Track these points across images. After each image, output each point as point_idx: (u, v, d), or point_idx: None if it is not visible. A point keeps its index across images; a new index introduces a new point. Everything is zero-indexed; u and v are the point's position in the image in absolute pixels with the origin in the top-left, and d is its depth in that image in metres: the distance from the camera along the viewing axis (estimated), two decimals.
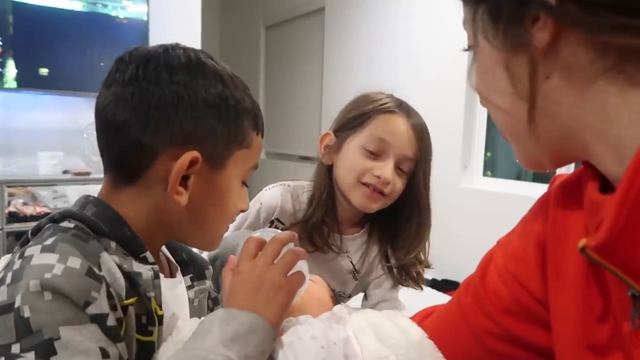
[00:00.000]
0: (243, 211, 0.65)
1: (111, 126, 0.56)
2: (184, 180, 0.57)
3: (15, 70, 2.57)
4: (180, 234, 0.62)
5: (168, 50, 0.58)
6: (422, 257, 1.08)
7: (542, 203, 0.53)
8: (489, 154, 3.03)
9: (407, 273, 1.07)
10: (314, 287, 0.70)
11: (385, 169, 0.96)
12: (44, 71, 2.64)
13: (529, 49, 0.38)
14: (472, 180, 2.96)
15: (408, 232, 1.05)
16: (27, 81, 2.61)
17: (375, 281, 1.12)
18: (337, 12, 3.84)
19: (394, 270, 1.08)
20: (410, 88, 3.50)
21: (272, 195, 1.04)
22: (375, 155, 0.97)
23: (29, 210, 2.54)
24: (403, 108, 1.01)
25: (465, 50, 0.46)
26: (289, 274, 0.58)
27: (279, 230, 0.65)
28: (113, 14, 2.80)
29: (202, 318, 0.55)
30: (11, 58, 2.56)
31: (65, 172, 2.67)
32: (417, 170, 1.01)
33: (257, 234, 0.64)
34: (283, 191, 1.05)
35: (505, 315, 0.53)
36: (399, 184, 0.99)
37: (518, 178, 3.02)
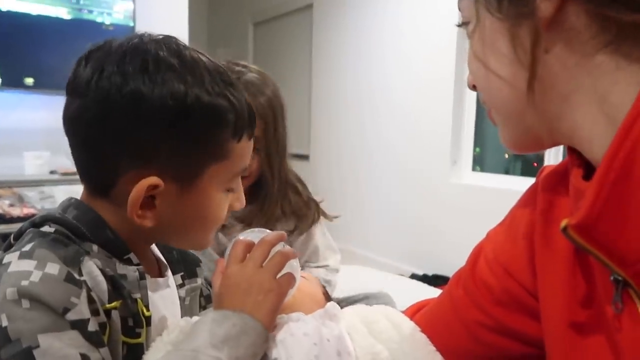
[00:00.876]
0: (238, 210, 0.63)
1: (75, 140, 0.54)
2: (152, 199, 0.53)
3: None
4: (162, 241, 0.61)
5: (126, 55, 0.51)
6: (299, 201, 1.13)
7: (531, 193, 0.54)
8: (477, 149, 3.05)
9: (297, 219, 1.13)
10: (306, 284, 0.70)
11: None
12: (29, 80, 2.60)
13: (533, 19, 0.38)
14: (461, 176, 2.98)
15: (262, 204, 1.09)
16: (11, 81, 2.58)
17: None
18: (325, 9, 3.83)
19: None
20: (399, 84, 3.53)
21: None
22: None
23: (16, 211, 2.51)
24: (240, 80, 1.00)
25: (459, 26, 0.46)
26: (278, 275, 0.57)
27: (268, 231, 0.64)
28: (99, 20, 2.75)
29: (195, 318, 0.54)
30: None
31: (52, 172, 2.63)
32: (267, 141, 1.04)
33: (246, 235, 0.63)
34: None
35: (496, 306, 0.53)
36: (254, 164, 1.03)
37: (507, 172, 3.05)
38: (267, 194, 1.09)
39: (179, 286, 0.69)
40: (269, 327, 0.53)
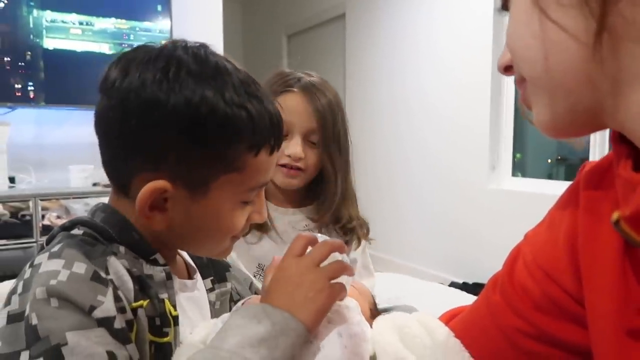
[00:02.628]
0: (258, 222, 0.62)
1: (98, 135, 0.56)
2: (164, 202, 0.54)
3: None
4: (177, 246, 0.61)
5: (148, 65, 0.52)
6: (353, 215, 1.10)
7: (572, 192, 0.51)
8: (518, 155, 2.97)
9: (345, 232, 1.10)
10: (354, 293, 0.68)
11: (294, 147, 1.01)
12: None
13: None
14: (500, 181, 2.90)
15: (324, 199, 1.08)
16: (56, 98, 2.70)
17: None
18: (358, 18, 3.84)
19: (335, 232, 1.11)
20: (435, 90, 3.49)
21: None
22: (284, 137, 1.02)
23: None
24: (297, 82, 1.04)
25: None
26: (332, 281, 0.55)
27: (328, 238, 0.62)
28: None
29: (235, 309, 0.53)
30: (43, 102, 2.66)
31: (95, 184, 2.73)
32: (326, 136, 1.04)
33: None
34: None
35: (536, 312, 0.50)
36: (312, 157, 1.03)
37: (550, 178, 2.95)
38: (327, 192, 1.07)
39: (209, 290, 0.69)
40: (312, 329, 0.51)
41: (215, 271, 0.71)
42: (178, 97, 0.51)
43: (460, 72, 3.00)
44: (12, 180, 2.64)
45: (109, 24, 2.82)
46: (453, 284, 2.70)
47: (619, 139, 0.41)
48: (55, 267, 0.48)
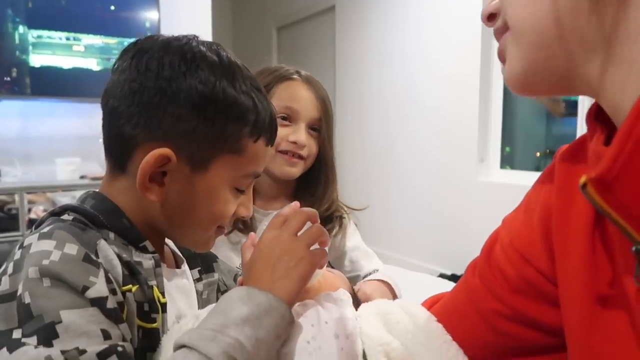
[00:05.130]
0: (244, 217, 0.63)
1: (105, 111, 0.57)
2: (162, 176, 0.56)
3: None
4: (165, 232, 0.61)
5: (170, 44, 0.56)
6: (335, 205, 1.11)
7: (547, 174, 0.52)
8: (507, 148, 2.99)
9: (328, 221, 1.11)
10: (333, 279, 0.69)
11: (299, 133, 1.02)
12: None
13: None
14: (489, 173, 2.92)
15: (317, 188, 1.09)
16: (43, 89, 2.68)
17: None
18: (348, 10, 3.83)
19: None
20: (424, 83, 3.50)
21: None
22: (286, 122, 1.02)
23: None
24: (300, 74, 1.06)
25: None
26: (311, 248, 0.56)
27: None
28: None
29: (222, 296, 0.54)
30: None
31: (82, 177, 2.71)
32: (321, 128, 1.05)
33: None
34: None
35: (513, 294, 0.51)
36: (313, 146, 1.05)
37: (538, 171, 2.98)
38: (327, 180, 1.09)
39: (197, 280, 0.69)
40: (293, 301, 0.52)
41: (203, 262, 0.71)
42: (194, 77, 0.54)
43: (450, 65, 3.01)
44: None
45: (96, 40, 2.82)
46: (442, 276, 2.72)
47: (594, 117, 0.42)
48: (46, 247, 0.48)
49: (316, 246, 0.57)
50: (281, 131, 0.98)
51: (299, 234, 0.56)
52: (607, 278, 0.41)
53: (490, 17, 0.44)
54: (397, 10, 3.38)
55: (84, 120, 2.74)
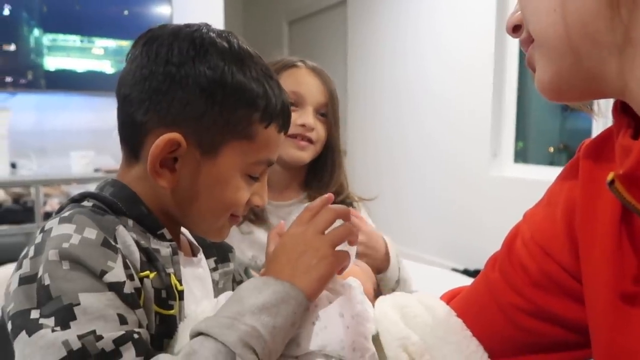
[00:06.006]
0: (258, 206, 0.63)
1: (119, 99, 0.58)
2: (173, 162, 0.56)
3: None
4: (179, 219, 0.62)
5: (180, 31, 0.57)
6: (346, 192, 1.12)
7: (570, 168, 0.51)
8: (520, 143, 2.96)
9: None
10: (357, 272, 0.68)
11: (307, 116, 1.02)
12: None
13: None
14: (502, 168, 2.90)
15: (323, 173, 1.10)
16: (58, 82, 2.70)
17: None
18: (360, 4, 3.81)
19: None
20: (437, 77, 3.47)
21: None
22: (294, 106, 1.01)
23: None
24: (305, 62, 1.07)
25: None
26: (336, 248, 0.56)
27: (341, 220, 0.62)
28: None
29: (240, 285, 0.54)
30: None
31: (96, 170, 2.74)
32: (328, 113, 1.06)
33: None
34: None
35: (534, 289, 0.51)
36: (321, 130, 1.05)
37: (551, 164, 2.94)
38: (334, 162, 1.10)
39: (212, 270, 0.70)
40: (313, 297, 0.52)
41: (218, 252, 0.71)
42: (203, 62, 0.55)
43: (463, 59, 2.99)
44: (13, 166, 2.64)
45: (110, 42, 2.85)
46: (454, 270, 2.72)
47: (620, 110, 0.41)
48: (66, 230, 0.48)
49: (344, 245, 0.57)
50: None
51: (326, 231, 0.56)
52: (632, 274, 0.40)
53: (515, 29, 0.45)
54: (409, 3, 3.36)
55: (98, 114, 2.76)
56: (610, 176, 0.35)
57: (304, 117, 1.02)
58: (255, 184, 0.61)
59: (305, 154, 1.04)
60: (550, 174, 2.64)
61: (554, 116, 3.03)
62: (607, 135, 0.47)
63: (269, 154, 0.60)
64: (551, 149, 3.05)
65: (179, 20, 2.85)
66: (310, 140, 1.03)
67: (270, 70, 0.60)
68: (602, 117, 0.50)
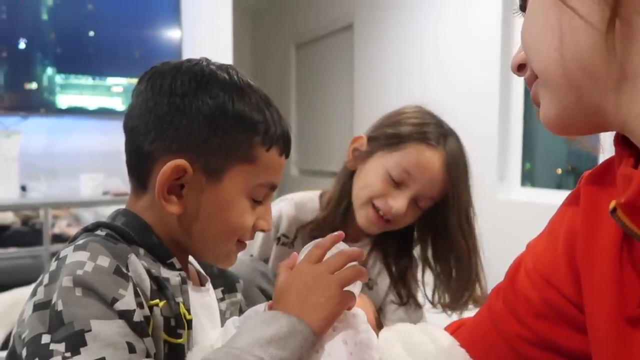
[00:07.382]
0: (264, 231, 0.64)
1: (126, 132, 0.61)
2: (180, 189, 0.58)
3: None
4: (187, 247, 0.63)
5: (182, 65, 0.60)
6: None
7: (571, 198, 0.52)
8: (528, 165, 2.95)
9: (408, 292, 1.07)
10: (359, 301, 0.69)
11: (400, 201, 0.93)
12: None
13: None
14: (509, 191, 2.88)
15: (447, 274, 1.05)
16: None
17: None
18: (366, 28, 3.86)
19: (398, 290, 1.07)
20: (443, 99, 3.45)
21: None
22: (396, 184, 0.94)
23: (73, 231, 2.62)
24: (444, 141, 0.98)
25: None
26: (344, 288, 0.57)
27: (346, 246, 0.62)
28: None
29: (247, 313, 0.55)
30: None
31: (105, 193, 2.76)
32: (449, 213, 0.98)
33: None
34: (285, 206, 1.03)
35: (538, 319, 0.51)
36: (408, 217, 0.97)
37: (559, 188, 2.93)
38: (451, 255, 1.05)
39: (220, 300, 0.70)
40: (319, 334, 0.53)
41: (226, 282, 0.72)
42: (205, 93, 0.58)
43: (468, 81, 3.01)
44: (23, 188, 2.67)
45: (122, 80, 2.92)
46: None
47: (621, 141, 0.42)
48: (81, 258, 0.50)
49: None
50: (385, 189, 0.93)
51: (336, 272, 0.57)
52: (636, 299, 0.41)
53: (519, 68, 0.46)
54: (415, 28, 3.40)
55: (108, 137, 2.80)
56: (612, 204, 0.35)
57: (397, 201, 0.93)
58: (260, 208, 0.62)
59: (376, 229, 0.98)
60: (558, 197, 2.62)
61: (561, 138, 3.03)
62: (608, 164, 0.48)
63: (272, 177, 0.62)
64: (559, 171, 3.04)
65: (188, 45, 2.92)
66: (388, 221, 0.95)
67: (270, 99, 0.62)
68: (602, 153, 0.50)
